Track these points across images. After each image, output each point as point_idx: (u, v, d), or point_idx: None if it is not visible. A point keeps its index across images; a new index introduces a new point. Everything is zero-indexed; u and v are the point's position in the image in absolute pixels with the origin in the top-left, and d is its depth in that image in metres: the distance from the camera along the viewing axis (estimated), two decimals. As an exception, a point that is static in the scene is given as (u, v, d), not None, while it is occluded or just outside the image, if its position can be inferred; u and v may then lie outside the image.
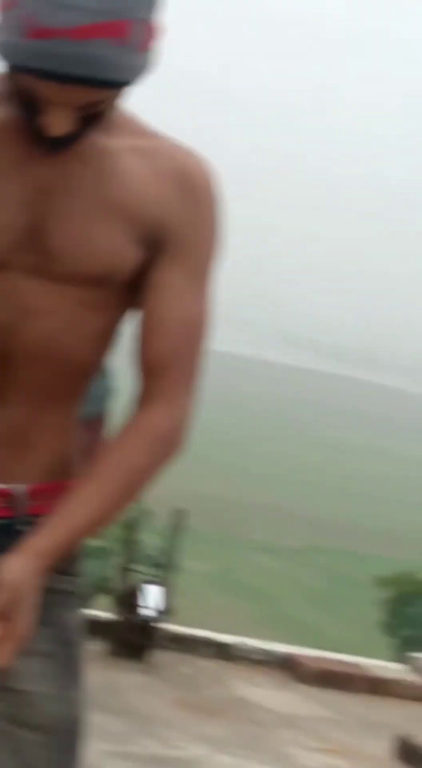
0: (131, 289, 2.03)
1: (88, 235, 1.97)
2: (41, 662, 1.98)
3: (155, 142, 2.03)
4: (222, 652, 6.57)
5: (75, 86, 1.84)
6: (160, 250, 2.00)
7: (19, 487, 1.98)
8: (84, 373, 2.09)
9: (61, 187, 1.95)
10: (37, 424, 2.03)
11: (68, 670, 2.01)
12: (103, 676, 5.55)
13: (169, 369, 2.02)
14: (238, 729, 5.55)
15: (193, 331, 2.04)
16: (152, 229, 1.99)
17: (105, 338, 2.07)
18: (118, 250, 1.98)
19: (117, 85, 1.86)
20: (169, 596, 6.26)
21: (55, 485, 2.00)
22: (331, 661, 6.84)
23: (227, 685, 6.16)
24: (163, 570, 6.59)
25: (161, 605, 6.18)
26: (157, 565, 6.75)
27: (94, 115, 1.91)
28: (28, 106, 1.90)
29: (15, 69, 1.86)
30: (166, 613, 6.21)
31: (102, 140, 1.96)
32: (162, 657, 6.18)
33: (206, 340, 2.05)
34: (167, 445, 2.04)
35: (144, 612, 6.15)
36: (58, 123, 1.86)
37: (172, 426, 2.03)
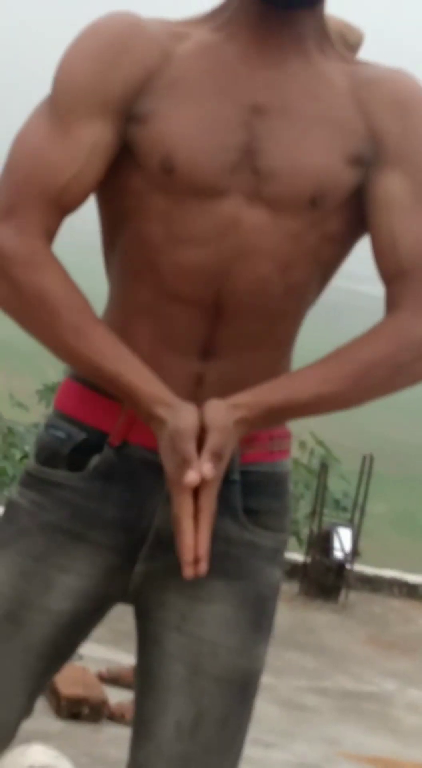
0: (342, 231, 1.96)
1: (301, 152, 1.89)
2: (234, 616, 1.95)
3: (364, 66, 1.98)
4: (411, 591, 6.57)
5: None
6: (378, 168, 1.92)
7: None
8: (296, 319, 2.00)
9: (277, 107, 1.89)
10: (247, 374, 1.92)
11: (256, 624, 1.98)
12: (296, 616, 5.59)
13: (414, 279, 1.92)
14: None
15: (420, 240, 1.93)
16: (367, 147, 1.91)
17: (315, 283, 1.97)
18: (332, 167, 1.90)
19: None
20: (357, 539, 6.30)
21: (266, 434, 1.95)
22: None
23: (416, 623, 6.18)
24: (352, 514, 6.61)
25: (351, 547, 6.22)
26: (345, 509, 6.80)
27: None
28: None
29: None
30: (355, 555, 6.25)
31: (314, 61, 1.92)
32: (353, 597, 6.21)
33: None
34: (416, 353, 1.92)
35: (336, 554, 6.19)
36: None
37: (409, 330, 1.91)
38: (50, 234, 1.89)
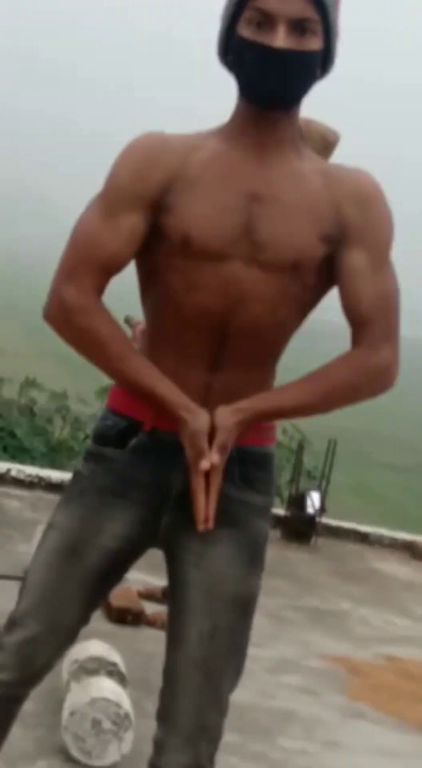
0: (316, 285, 1.92)
1: (289, 229, 1.86)
2: (235, 555, 1.94)
3: (332, 167, 1.94)
4: (363, 538, 6.58)
5: None
6: (345, 245, 1.87)
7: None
8: (279, 344, 1.96)
9: (267, 196, 1.85)
10: (243, 382, 1.90)
11: (252, 561, 1.97)
12: (279, 554, 5.54)
13: (373, 325, 1.88)
14: (373, 591, 5.57)
15: (384, 299, 1.90)
16: (335, 229, 1.87)
17: (294, 321, 1.95)
18: (308, 244, 1.86)
19: (321, 4, 1.76)
20: (324, 499, 6.26)
21: (257, 425, 1.91)
22: None
23: (366, 561, 6.18)
24: (320, 481, 6.60)
25: (319, 506, 6.18)
26: (315, 478, 6.81)
27: (303, 58, 1.79)
28: (250, 55, 1.79)
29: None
30: (322, 511, 6.22)
31: (295, 164, 1.88)
32: (320, 541, 6.20)
33: (398, 308, 1.92)
34: (369, 378, 1.91)
35: (308, 510, 6.16)
36: (280, 36, 1.76)
37: (376, 364, 1.90)
38: (99, 290, 1.89)
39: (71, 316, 1.85)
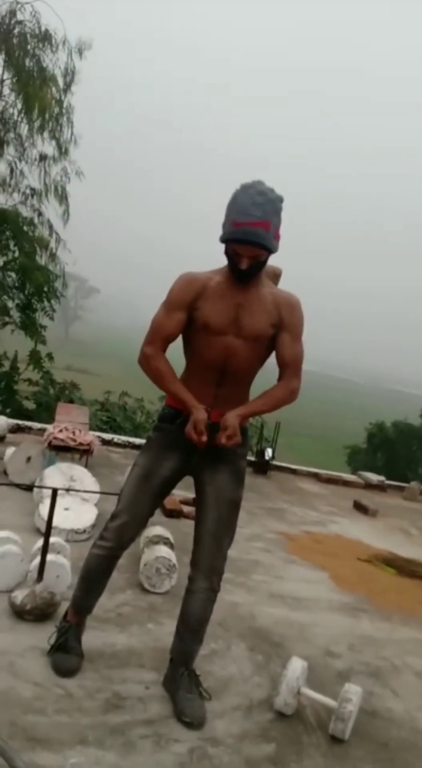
0: (267, 349, 1.92)
1: (255, 322, 1.86)
2: (228, 478, 1.95)
3: (277, 290, 1.92)
4: (293, 472, 6.42)
5: (250, 247, 1.77)
6: (280, 330, 1.88)
7: (227, 413, 1.87)
8: (250, 376, 1.94)
9: (246, 305, 1.87)
10: (234, 395, 1.90)
11: (237, 482, 1.97)
12: (251, 480, 5.45)
13: (290, 369, 1.89)
14: (298, 498, 5.46)
15: (297, 356, 1.90)
16: (277, 321, 1.89)
17: (258, 365, 1.94)
18: (265, 329, 1.87)
19: (266, 249, 1.77)
20: (274, 452, 6.15)
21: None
22: (331, 474, 6.56)
23: (295, 483, 6.04)
24: (272, 444, 6.47)
25: (271, 455, 6.07)
26: (269, 441, 6.64)
27: (257, 265, 1.82)
28: (233, 261, 1.82)
29: (229, 242, 1.79)
30: (273, 458, 6.11)
31: (259, 289, 1.89)
32: (273, 474, 6.08)
33: (302, 361, 1.91)
34: (290, 395, 1.88)
35: (266, 457, 6.02)
36: (244, 263, 1.80)
37: (293, 388, 1.89)
38: (163, 349, 1.87)
39: (147, 361, 1.88)
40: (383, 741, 2.06)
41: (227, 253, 1.85)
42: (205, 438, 1.83)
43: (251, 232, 1.75)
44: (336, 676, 2.42)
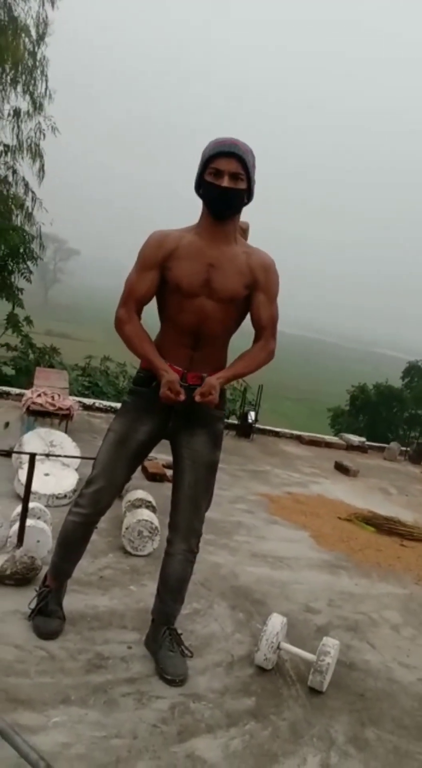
0: (241, 311, 1.90)
1: (228, 284, 1.85)
2: (204, 441, 1.95)
3: (250, 249, 1.89)
4: (276, 434, 6.46)
5: (233, 160, 1.76)
6: (255, 290, 1.89)
7: (204, 375, 1.87)
8: (225, 339, 1.92)
9: (218, 265, 1.84)
10: (209, 356, 1.89)
11: (214, 444, 1.98)
12: (234, 444, 5.55)
13: (267, 330, 1.89)
14: (281, 460, 5.51)
15: (274, 317, 1.89)
16: (251, 282, 1.88)
17: (233, 327, 1.92)
18: (239, 290, 1.85)
19: (245, 166, 1.76)
20: (257, 415, 6.18)
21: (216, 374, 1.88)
22: (313, 436, 6.59)
23: (278, 446, 6.09)
24: (255, 406, 6.50)
25: (254, 418, 6.10)
26: (252, 404, 6.68)
27: (234, 196, 1.78)
28: (211, 191, 1.78)
29: (210, 159, 1.77)
30: (256, 421, 6.13)
31: (232, 248, 1.86)
32: (256, 437, 6.10)
33: (277, 322, 1.91)
34: (268, 356, 1.89)
35: (249, 420, 6.05)
36: (225, 180, 1.77)
37: (271, 349, 1.89)
38: (137, 310, 1.84)
39: (120, 324, 1.87)
40: (360, 692, 2.12)
41: (204, 189, 1.81)
42: (182, 396, 1.81)
43: (233, 145, 1.77)
44: (315, 632, 2.47)
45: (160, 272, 1.85)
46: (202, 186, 1.83)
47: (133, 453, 1.94)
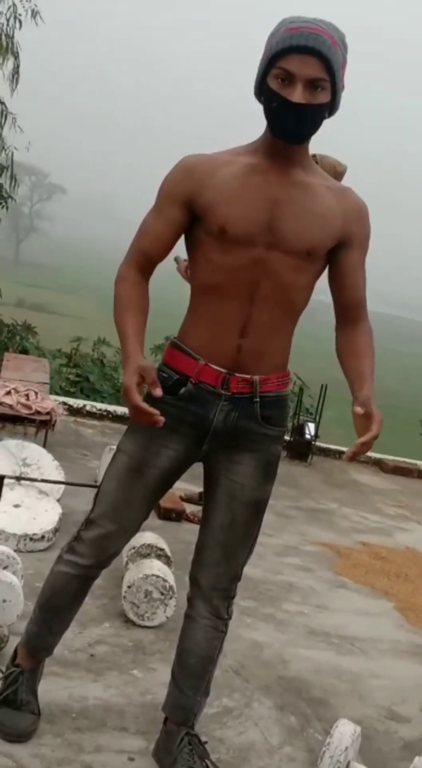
0: (318, 270, 1.91)
1: (305, 226, 1.83)
2: (252, 469, 1.96)
3: (335, 184, 1.91)
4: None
5: (312, 59, 1.70)
6: (348, 245, 1.88)
7: (255, 377, 1.88)
8: (294, 314, 1.93)
9: (285, 201, 1.83)
10: (267, 345, 1.89)
11: (266, 475, 1.99)
12: (285, 469, 5.53)
13: (362, 306, 1.95)
14: (352, 495, 5.57)
15: (364, 288, 1.96)
16: (343, 233, 1.87)
17: (305, 298, 1.93)
18: (322, 239, 1.85)
19: (331, 68, 1.71)
20: (317, 429, 6.24)
21: (275, 376, 1.91)
22: (400, 461, 6.72)
23: (347, 473, 6.15)
24: (315, 415, 6.54)
25: (314, 433, 6.16)
26: (311, 413, 6.73)
27: (314, 112, 1.74)
28: (278, 102, 1.74)
29: (278, 56, 1.72)
30: (316, 437, 6.19)
31: (305, 177, 1.86)
32: (315, 459, 6.19)
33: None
34: (372, 336, 1.96)
35: (306, 437, 6.13)
36: (298, 92, 1.72)
37: (371, 328, 1.96)
38: (144, 266, 1.91)
39: (117, 281, 1.92)
40: None
41: (266, 98, 1.77)
42: (159, 391, 1.80)
43: (314, 36, 1.69)
44: (401, 748, 2.48)
45: (186, 212, 1.85)
46: (263, 93, 1.79)
47: (153, 485, 1.95)
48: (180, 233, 1.88)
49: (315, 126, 1.80)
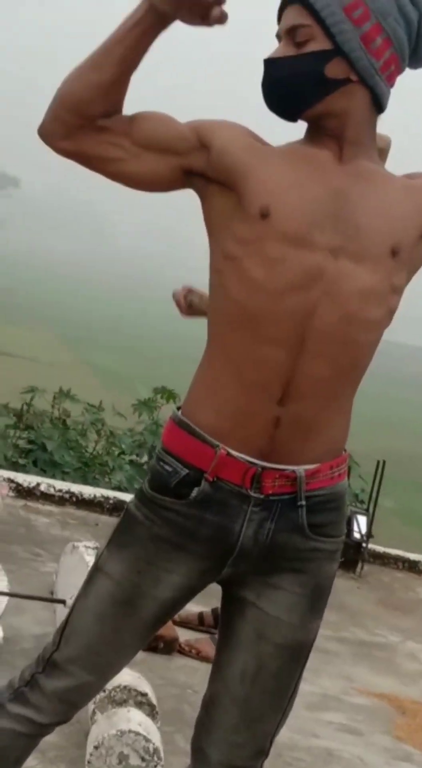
0: (405, 279, 1.93)
1: (384, 221, 1.86)
2: (295, 602, 1.94)
3: (411, 181, 1.95)
4: (412, 566, 6.53)
5: (290, 7, 1.84)
6: None
7: (299, 470, 1.84)
8: (360, 367, 1.93)
9: (352, 191, 1.85)
10: (320, 417, 1.88)
11: (313, 607, 1.98)
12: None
13: None
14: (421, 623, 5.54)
15: None
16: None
17: (377, 333, 1.93)
18: (402, 235, 1.88)
19: (313, 9, 1.80)
20: (371, 524, 6.24)
21: (328, 465, 1.88)
22: None
23: (415, 591, 6.14)
24: (368, 505, 6.54)
25: (366, 531, 6.16)
26: (363, 502, 6.74)
27: (293, 59, 1.83)
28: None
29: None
30: (369, 537, 6.19)
31: (372, 166, 1.91)
32: (367, 569, 6.18)
33: None
34: None
35: (355, 535, 6.12)
36: (277, 49, 1.85)
37: None
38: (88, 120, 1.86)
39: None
40: None
41: None
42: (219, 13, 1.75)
43: None
44: None
45: (204, 164, 1.86)
46: None
47: (147, 621, 1.95)
48: (163, 171, 1.88)
49: (311, 86, 1.85)
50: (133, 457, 8.15)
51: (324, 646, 4.66)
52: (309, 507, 1.87)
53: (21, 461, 7.79)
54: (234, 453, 1.83)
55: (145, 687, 3.14)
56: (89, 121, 1.83)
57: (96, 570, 1.96)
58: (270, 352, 1.82)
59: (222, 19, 1.75)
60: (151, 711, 3.07)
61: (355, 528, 6.17)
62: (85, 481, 7.25)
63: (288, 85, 1.86)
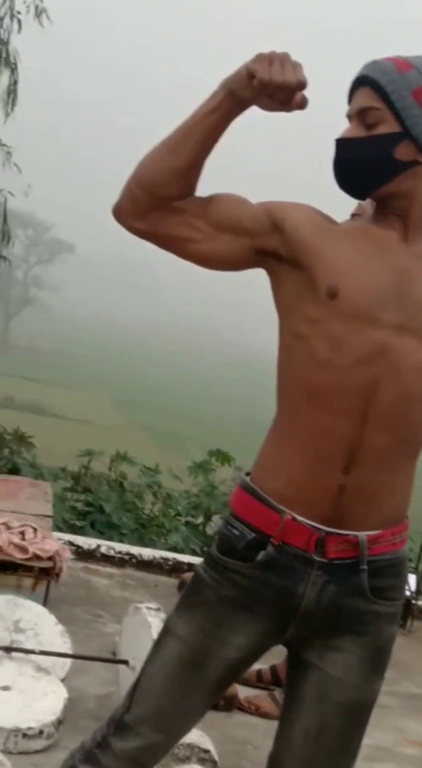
0: None
1: None
2: (357, 663, 1.95)
3: None
4: None
5: (361, 90, 1.86)
6: None
7: (362, 535, 1.85)
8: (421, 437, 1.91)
9: (414, 270, 1.85)
10: (382, 485, 1.87)
11: (374, 668, 1.99)
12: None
13: None
14: None
15: None
16: None
17: None
18: None
19: (384, 92, 1.82)
20: (420, 582, 6.15)
21: (389, 531, 1.89)
22: None
23: None
24: (416, 563, 6.44)
25: (415, 588, 6.07)
26: (411, 560, 6.60)
27: (362, 141, 1.85)
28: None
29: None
30: (418, 594, 6.11)
31: None
32: (416, 624, 6.06)
33: None
34: None
35: (406, 591, 6.10)
36: (347, 129, 1.87)
37: None
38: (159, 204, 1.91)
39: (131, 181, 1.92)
40: None
41: None
42: (301, 78, 1.76)
43: (367, 65, 1.87)
44: None
45: (275, 244, 1.89)
46: None
47: (216, 682, 1.98)
48: (237, 251, 1.91)
49: (378, 167, 1.88)
50: (189, 518, 8.08)
51: (378, 700, 4.64)
52: (371, 571, 1.89)
53: (79, 523, 7.79)
54: (299, 518, 1.85)
55: (208, 744, 3.15)
56: (165, 202, 1.88)
57: (165, 632, 2.00)
58: (335, 423, 1.85)
59: (302, 104, 1.79)
60: (214, 767, 3.08)
61: (407, 585, 6.10)
62: (141, 543, 7.21)
63: (358, 166, 1.88)
